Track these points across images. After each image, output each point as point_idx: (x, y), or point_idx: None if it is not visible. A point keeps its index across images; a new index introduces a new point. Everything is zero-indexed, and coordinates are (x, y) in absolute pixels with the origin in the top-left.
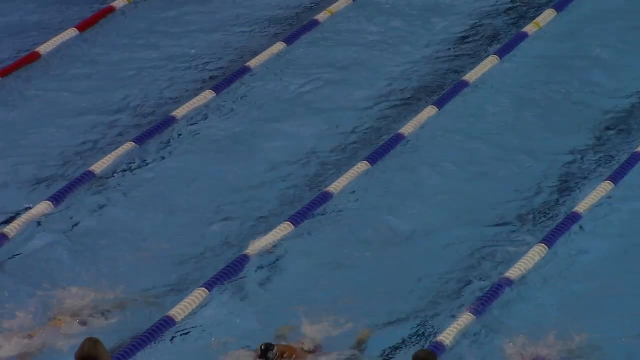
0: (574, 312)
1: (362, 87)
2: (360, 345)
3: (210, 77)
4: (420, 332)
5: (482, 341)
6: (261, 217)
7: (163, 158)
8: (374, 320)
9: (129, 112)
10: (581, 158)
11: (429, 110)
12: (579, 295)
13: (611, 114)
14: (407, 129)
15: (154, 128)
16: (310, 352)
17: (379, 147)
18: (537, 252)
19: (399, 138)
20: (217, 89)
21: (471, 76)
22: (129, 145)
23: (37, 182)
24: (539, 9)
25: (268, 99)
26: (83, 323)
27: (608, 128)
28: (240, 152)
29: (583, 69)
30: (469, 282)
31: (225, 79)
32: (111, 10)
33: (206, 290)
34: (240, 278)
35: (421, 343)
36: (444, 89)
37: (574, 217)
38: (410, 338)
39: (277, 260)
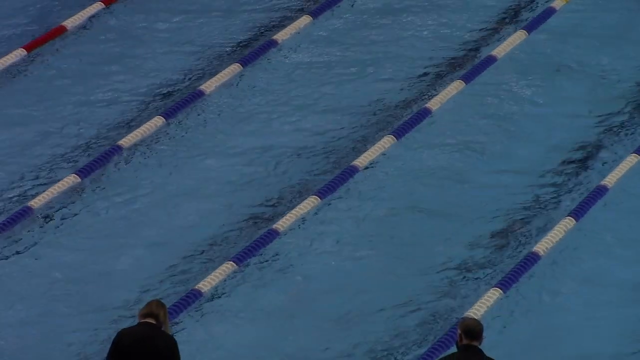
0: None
1: (388, 61)
2: None
3: (237, 50)
4: (449, 307)
5: (511, 316)
6: (287, 190)
7: (190, 132)
8: (402, 293)
9: (156, 87)
10: (611, 133)
11: (457, 85)
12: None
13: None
14: (434, 103)
15: (182, 102)
16: None
17: (405, 122)
18: (564, 226)
19: (425, 113)
20: (244, 62)
21: (499, 51)
22: (158, 120)
23: (64, 155)
24: None
25: (293, 72)
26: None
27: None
28: (265, 125)
29: (612, 44)
30: (496, 258)
31: (252, 52)
32: None
33: (234, 264)
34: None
35: (450, 318)
36: (472, 64)
37: (601, 191)
38: (438, 312)
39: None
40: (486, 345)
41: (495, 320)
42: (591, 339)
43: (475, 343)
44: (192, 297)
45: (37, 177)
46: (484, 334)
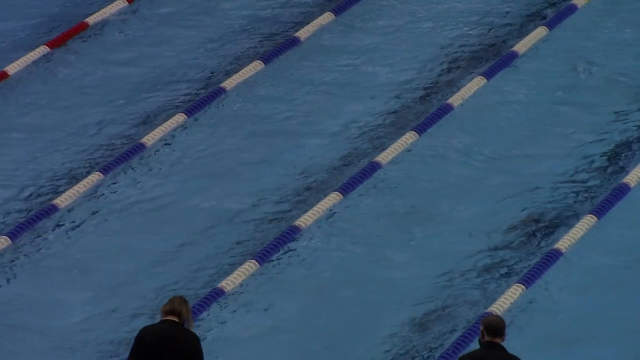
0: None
1: (411, 57)
2: None
3: (259, 49)
4: (471, 301)
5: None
6: (310, 188)
7: (209, 131)
8: (423, 290)
9: (178, 84)
10: (632, 132)
11: (478, 81)
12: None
13: None
14: (456, 99)
15: (204, 99)
16: None
17: (427, 118)
18: (586, 224)
19: (447, 108)
20: (266, 60)
21: (520, 47)
22: (179, 117)
23: (86, 153)
24: None
25: (314, 69)
26: None
27: None
28: (284, 123)
29: (632, 43)
30: (518, 254)
31: (274, 50)
32: None
33: (257, 263)
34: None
35: (473, 315)
36: (493, 61)
37: (623, 189)
38: (460, 309)
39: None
40: (508, 343)
41: (518, 316)
42: (613, 334)
43: (497, 340)
44: (215, 296)
45: (60, 176)
46: (506, 330)
